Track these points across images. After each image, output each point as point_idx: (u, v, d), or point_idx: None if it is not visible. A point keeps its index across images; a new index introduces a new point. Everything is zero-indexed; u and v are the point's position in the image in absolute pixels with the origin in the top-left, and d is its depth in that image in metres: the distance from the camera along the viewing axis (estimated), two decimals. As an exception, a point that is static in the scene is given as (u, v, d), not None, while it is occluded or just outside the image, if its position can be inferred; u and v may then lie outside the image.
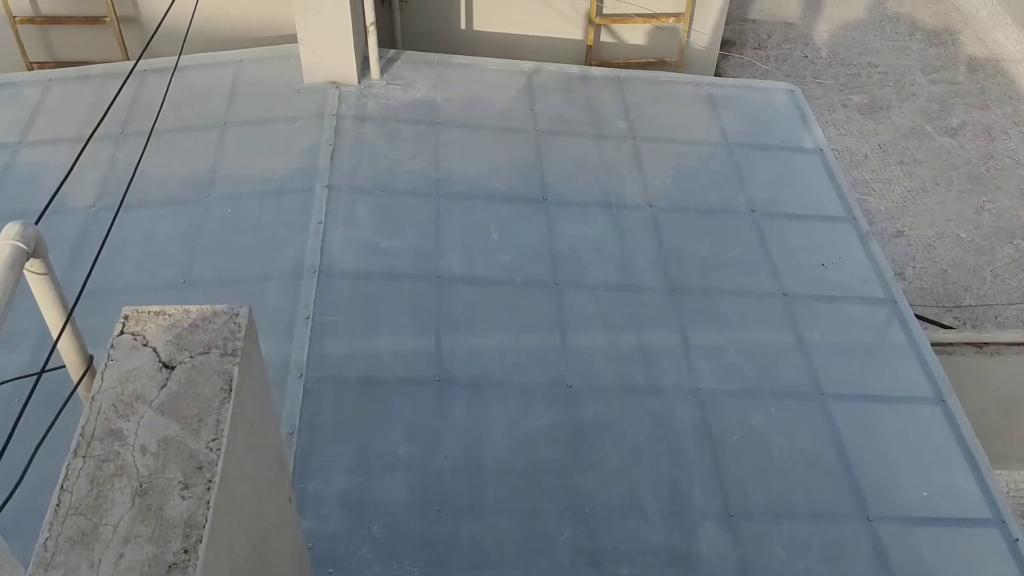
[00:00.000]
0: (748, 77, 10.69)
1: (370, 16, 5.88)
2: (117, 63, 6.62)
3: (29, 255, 2.04)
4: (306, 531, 3.61)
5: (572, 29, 7.92)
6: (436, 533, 3.85)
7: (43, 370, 2.43)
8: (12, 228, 2.03)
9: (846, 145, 9.90)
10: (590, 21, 7.74)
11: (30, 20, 7.33)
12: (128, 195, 5.40)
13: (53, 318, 2.28)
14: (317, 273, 4.85)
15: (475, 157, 5.78)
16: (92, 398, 2.31)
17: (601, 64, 7.73)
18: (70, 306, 2.32)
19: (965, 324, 7.98)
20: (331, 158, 5.54)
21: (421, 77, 6.35)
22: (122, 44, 7.42)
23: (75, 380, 2.46)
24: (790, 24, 11.67)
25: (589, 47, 7.91)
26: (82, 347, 2.46)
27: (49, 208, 5.18)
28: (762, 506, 4.14)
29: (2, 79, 6.51)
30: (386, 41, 7.01)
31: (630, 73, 6.80)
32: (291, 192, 5.36)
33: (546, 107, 6.33)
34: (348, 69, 6.02)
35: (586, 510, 4.01)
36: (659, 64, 8.06)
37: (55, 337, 2.29)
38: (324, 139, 5.68)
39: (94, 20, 7.34)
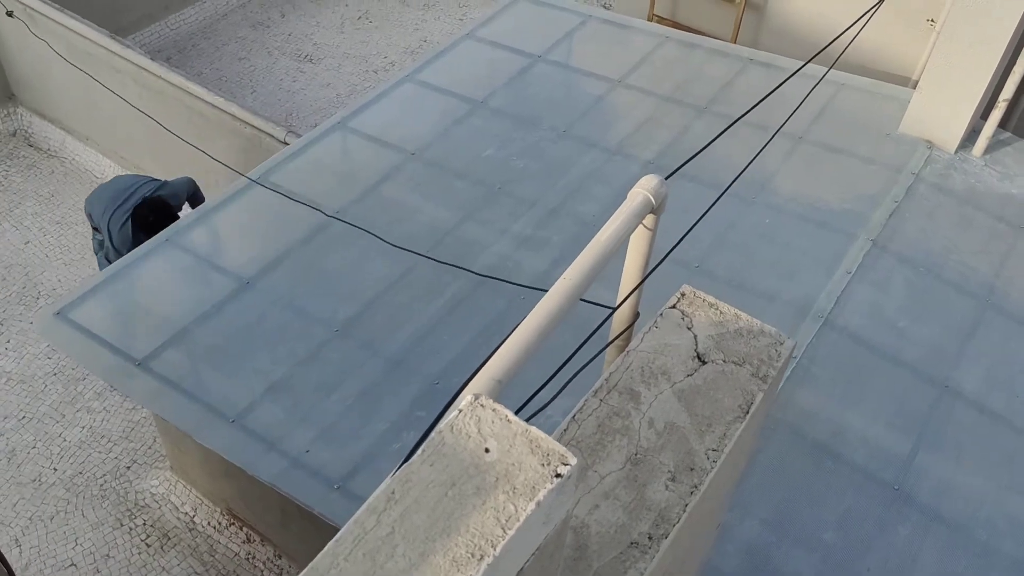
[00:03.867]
0: None
1: (1008, 91, 5.32)
2: (725, 43, 6.83)
3: (653, 210, 2.13)
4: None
5: None
6: None
7: (599, 305, 2.58)
8: (650, 181, 2.13)
9: None
10: None
11: (671, -20, 7.86)
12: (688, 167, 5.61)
13: (633, 270, 2.39)
14: (823, 320, 4.62)
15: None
16: (627, 352, 2.40)
17: None
18: (651, 266, 2.42)
19: None
20: (889, 215, 5.20)
21: (1024, 172, 5.64)
22: (737, 26, 7.65)
23: (616, 331, 2.58)
24: None
25: None
26: (636, 304, 2.57)
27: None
28: None
29: (627, 22, 7.09)
30: (1005, 120, 6.31)
31: None
32: (833, 230, 5.15)
33: None
34: (952, 134, 5.55)
35: None
36: None
37: (627, 290, 2.40)
38: (892, 194, 5.33)
39: (727, -1, 7.65)
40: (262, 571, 5.99)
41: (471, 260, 4.98)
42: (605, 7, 9.24)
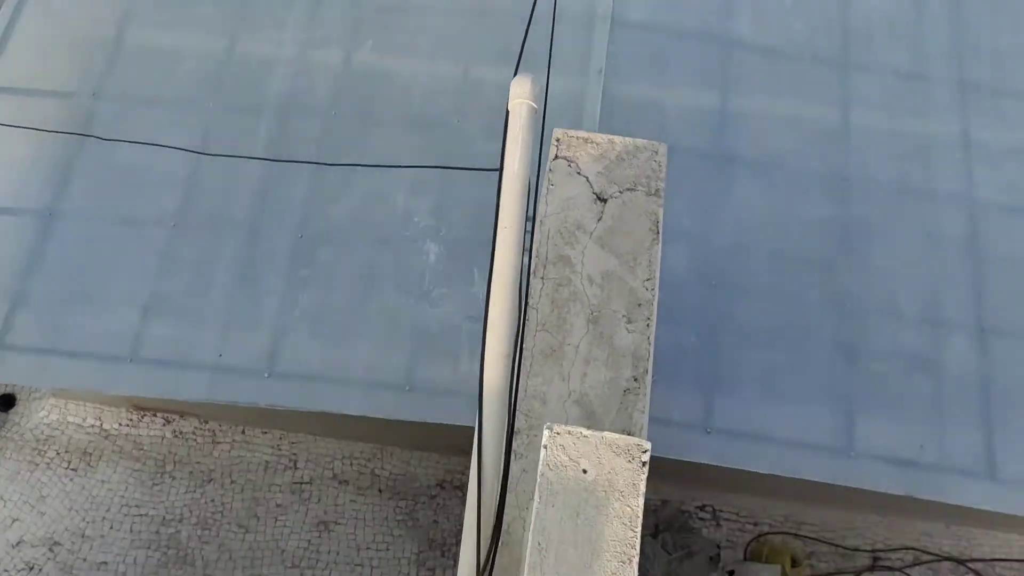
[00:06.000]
0: None
1: None
2: None
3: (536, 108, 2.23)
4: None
5: None
6: (711, 307, 4.26)
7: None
8: (523, 85, 2.20)
9: None
10: None
11: None
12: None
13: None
14: (609, 21, 4.84)
15: None
16: (540, 221, 2.63)
17: None
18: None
19: None
20: None
21: None
22: None
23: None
24: None
25: None
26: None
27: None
28: (1015, 325, 4.37)
29: None
30: None
31: None
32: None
33: None
34: None
35: (848, 306, 4.33)
36: None
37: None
38: None
39: None
40: (195, 440, 6.24)
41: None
42: None
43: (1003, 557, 5.31)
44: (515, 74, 2.92)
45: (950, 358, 4.27)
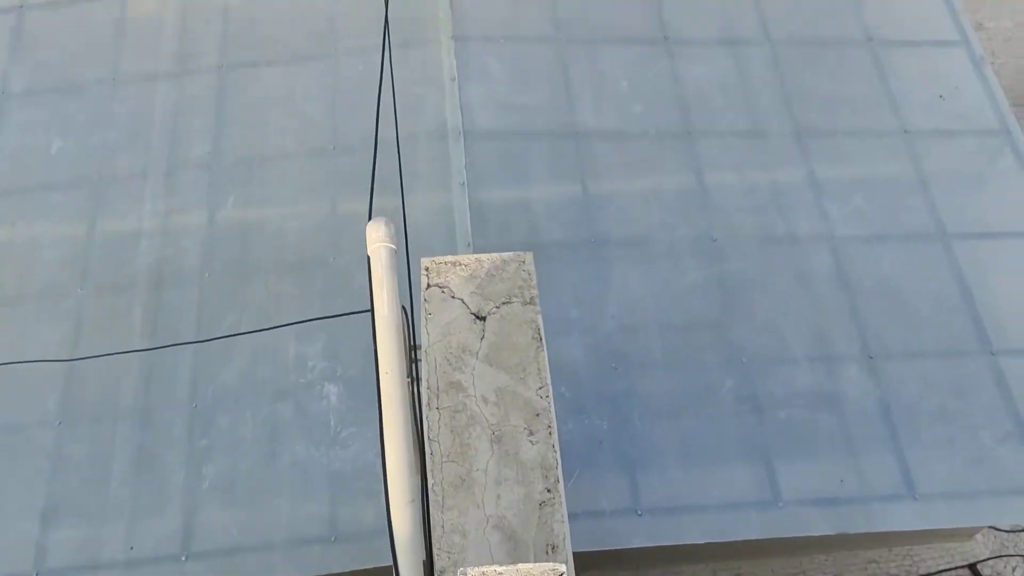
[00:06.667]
0: None
1: None
2: None
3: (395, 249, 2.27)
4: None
5: None
6: (615, 389, 4.33)
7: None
8: (378, 229, 2.24)
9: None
10: None
11: None
12: (256, 53, 5.43)
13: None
14: (462, 135, 5.00)
15: (591, -7, 5.69)
16: (425, 352, 2.65)
17: None
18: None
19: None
20: (450, 5, 5.47)
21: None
22: None
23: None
24: None
25: None
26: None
27: (179, 68, 5.18)
28: (897, 347, 4.59)
29: None
30: None
31: None
32: (418, 45, 5.36)
33: (653, -72, 6.10)
34: (452, -102, 5.76)
35: (743, 360, 4.46)
36: None
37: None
38: (440, -18, 5.57)
39: None
40: None
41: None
42: None
43: (946, 567, 5.43)
44: (370, 207, 2.97)
45: (847, 390, 4.43)
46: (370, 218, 2.41)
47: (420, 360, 2.68)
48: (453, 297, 2.71)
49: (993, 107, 5.54)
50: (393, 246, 2.24)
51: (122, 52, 5.41)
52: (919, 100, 5.51)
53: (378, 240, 2.23)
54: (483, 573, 1.63)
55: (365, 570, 3.84)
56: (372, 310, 2.14)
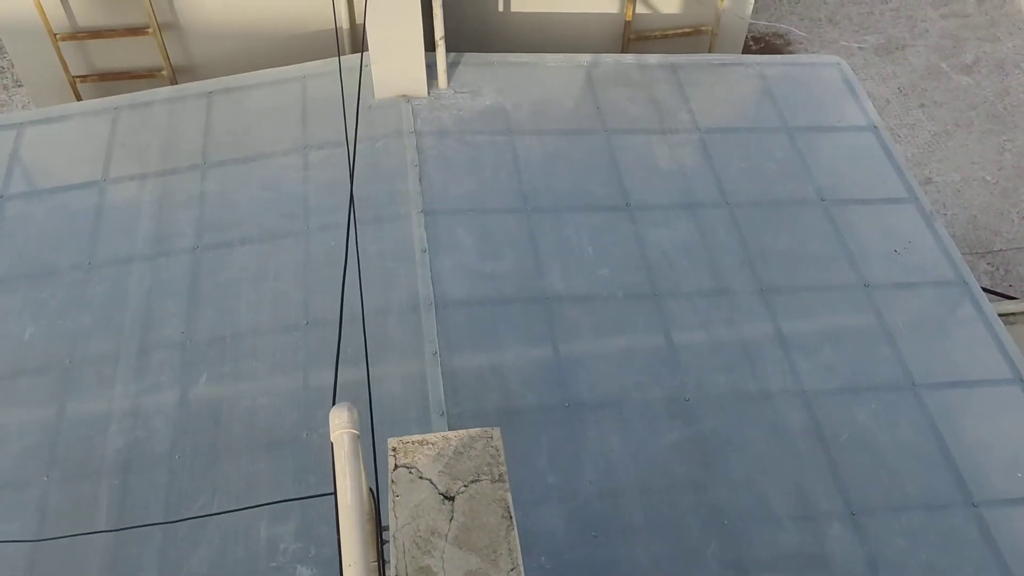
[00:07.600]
0: (764, 20, 10.79)
1: (439, 30, 5.94)
2: (181, 86, 6.61)
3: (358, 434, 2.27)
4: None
5: (608, 3, 7.95)
6: (597, 558, 4.21)
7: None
8: (340, 416, 2.25)
9: (868, 90, 10.09)
10: (628, -4, 7.77)
11: (71, 37, 7.25)
12: (229, 232, 5.57)
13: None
14: (433, 305, 5.08)
15: (554, 165, 5.95)
16: (394, 536, 2.59)
17: (639, 37, 7.83)
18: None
19: (999, 269, 8.38)
20: (419, 180, 5.70)
21: (485, 82, 6.44)
22: (165, 54, 7.38)
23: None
24: (800, -37, 11.68)
25: (628, 21, 7.96)
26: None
27: (154, 250, 5.31)
28: (879, 501, 4.53)
29: (65, 110, 6.51)
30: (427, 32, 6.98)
31: (682, 59, 6.93)
32: (389, 220, 5.53)
33: (610, 103, 6.47)
34: (419, 82, 6.11)
35: (725, 522, 4.38)
36: (695, 33, 8.14)
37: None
38: (409, 160, 5.82)
39: (136, 31, 7.28)
40: None
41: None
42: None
43: None
44: (335, 388, 2.98)
45: (833, 549, 4.34)
46: (334, 399, 2.42)
47: (388, 542, 2.62)
48: (421, 478, 2.68)
49: (947, 258, 5.74)
50: (356, 431, 2.24)
51: (99, 237, 5.54)
52: (876, 254, 5.70)
53: (340, 427, 2.23)
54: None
55: None
56: (336, 498, 2.11)
